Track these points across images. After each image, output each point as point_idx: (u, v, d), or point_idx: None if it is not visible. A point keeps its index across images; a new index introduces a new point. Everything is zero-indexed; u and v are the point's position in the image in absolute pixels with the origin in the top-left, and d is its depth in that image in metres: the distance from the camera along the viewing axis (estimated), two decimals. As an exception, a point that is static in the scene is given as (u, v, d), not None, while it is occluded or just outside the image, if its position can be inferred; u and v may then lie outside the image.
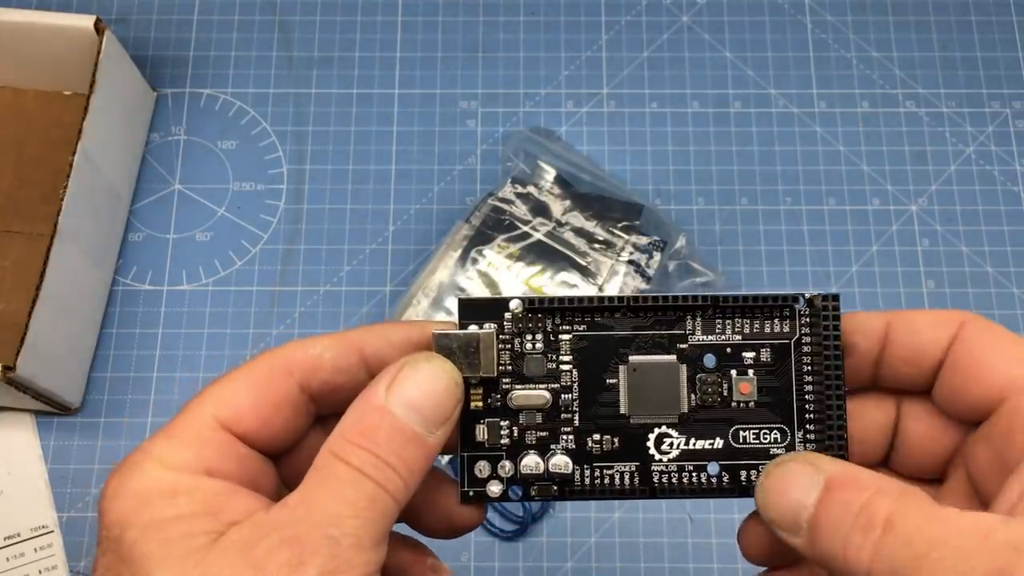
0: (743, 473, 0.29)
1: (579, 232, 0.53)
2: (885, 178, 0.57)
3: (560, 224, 0.53)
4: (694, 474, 0.29)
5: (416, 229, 0.56)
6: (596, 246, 0.53)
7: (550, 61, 0.60)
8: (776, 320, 0.29)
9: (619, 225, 0.53)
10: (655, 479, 0.29)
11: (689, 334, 0.29)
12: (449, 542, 0.49)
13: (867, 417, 0.29)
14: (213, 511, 0.25)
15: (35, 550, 0.50)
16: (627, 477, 0.29)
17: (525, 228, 0.53)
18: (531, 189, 0.54)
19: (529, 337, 0.29)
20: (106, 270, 0.54)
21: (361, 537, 0.24)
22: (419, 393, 0.26)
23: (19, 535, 0.50)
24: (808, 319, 0.29)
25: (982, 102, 0.59)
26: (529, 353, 0.29)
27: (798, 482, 0.25)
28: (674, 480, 0.29)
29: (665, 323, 0.29)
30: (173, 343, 0.54)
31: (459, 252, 0.52)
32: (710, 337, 0.29)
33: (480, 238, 0.53)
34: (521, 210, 0.54)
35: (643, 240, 0.53)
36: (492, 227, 0.53)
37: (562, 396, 0.29)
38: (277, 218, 0.57)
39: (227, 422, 0.27)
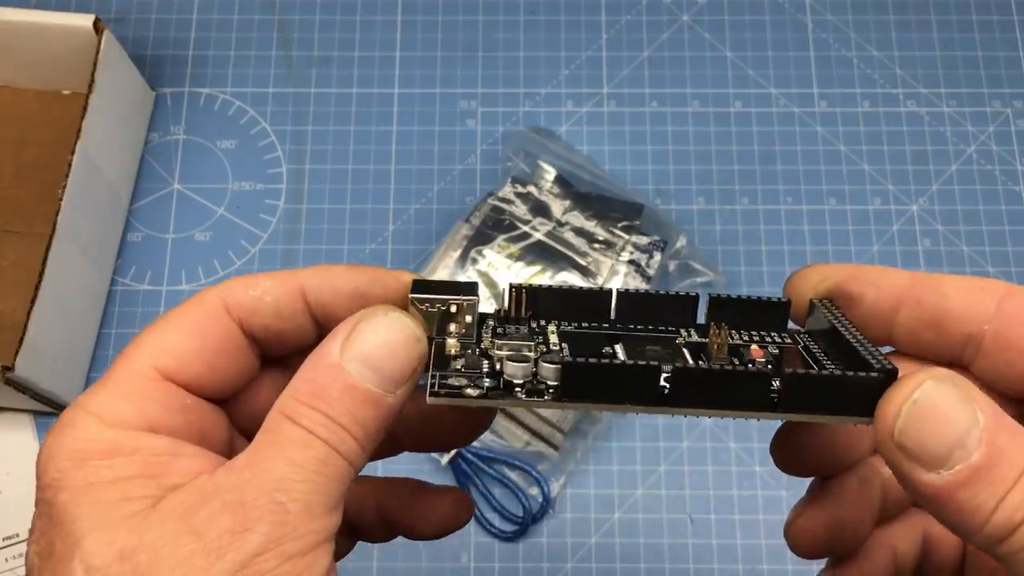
0: (804, 373, 0.22)
1: (579, 232, 0.53)
2: (886, 178, 0.57)
3: (560, 224, 0.53)
4: (723, 363, 0.23)
5: (416, 229, 0.56)
6: (596, 246, 0.53)
7: (550, 61, 0.60)
8: (773, 334, 0.26)
9: (619, 225, 0.53)
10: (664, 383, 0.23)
11: (684, 337, 0.26)
12: (448, 543, 0.49)
13: None
14: (154, 473, 0.23)
15: (34, 551, 0.50)
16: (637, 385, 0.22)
17: (525, 228, 0.53)
18: (531, 189, 0.54)
19: (512, 329, 0.26)
20: (105, 270, 0.54)
21: (311, 503, 0.22)
22: (376, 350, 0.24)
23: (18, 535, 0.50)
24: (808, 334, 0.26)
25: (983, 101, 0.58)
26: (511, 335, 0.26)
27: (957, 414, 0.22)
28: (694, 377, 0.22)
29: (657, 325, 0.26)
30: (172, 343, 0.54)
31: (459, 252, 0.52)
32: (706, 340, 0.26)
33: (480, 238, 0.53)
34: (521, 210, 0.53)
35: (643, 240, 0.53)
36: (492, 227, 0.53)
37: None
38: (276, 218, 0.56)
39: (168, 371, 0.25)
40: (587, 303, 0.27)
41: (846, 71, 0.59)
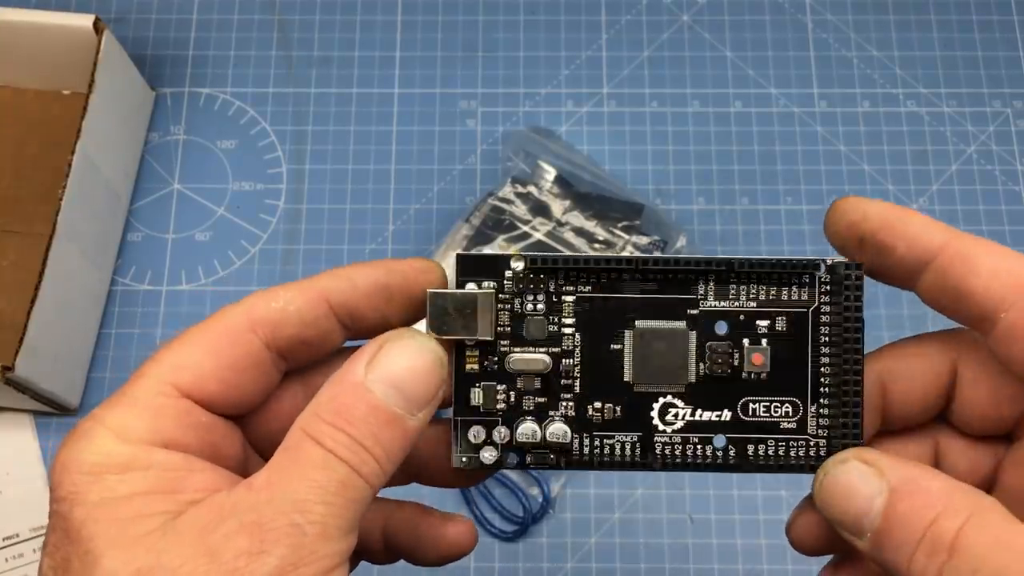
0: (751, 447, 0.27)
1: (579, 232, 0.53)
2: (886, 178, 0.57)
3: (560, 224, 0.53)
4: (699, 447, 0.27)
5: (416, 229, 0.56)
6: (596, 246, 0.53)
7: (550, 61, 0.60)
8: (794, 287, 0.27)
9: (619, 225, 0.53)
10: (658, 451, 0.27)
11: (701, 299, 0.27)
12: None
13: (918, 374, 0.27)
14: (170, 489, 0.23)
15: (34, 550, 0.50)
16: (628, 448, 0.27)
17: (525, 228, 0.53)
18: (531, 189, 0.54)
19: (530, 298, 0.27)
20: (105, 270, 0.54)
21: (328, 525, 0.22)
22: (401, 371, 0.24)
23: (18, 535, 0.50)
24: (828, 287, 0.27)
25: (983, 101, 0.58)
26: (529, 314, 0.27)
27: (861, 486, 0.24)
28: (677, 452, 0.27)
29: (676, 287, 0.28)
30: (172, 343, 0.54)
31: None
32: (723, 303, 0.28)
33: (480, 238, 0.53)
34: (521, 210, 0.54)
35: (643, 240, 0.53)
36: (492, 227, 0.53)
37: (563, 361, 0.27)
38: (276, 218, 0.56)
39: (186, 388, 0.25)
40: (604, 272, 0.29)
41: (846, 71, 0.59)
